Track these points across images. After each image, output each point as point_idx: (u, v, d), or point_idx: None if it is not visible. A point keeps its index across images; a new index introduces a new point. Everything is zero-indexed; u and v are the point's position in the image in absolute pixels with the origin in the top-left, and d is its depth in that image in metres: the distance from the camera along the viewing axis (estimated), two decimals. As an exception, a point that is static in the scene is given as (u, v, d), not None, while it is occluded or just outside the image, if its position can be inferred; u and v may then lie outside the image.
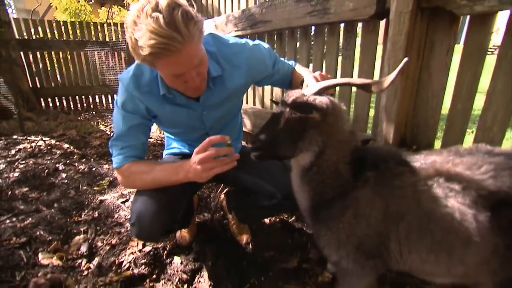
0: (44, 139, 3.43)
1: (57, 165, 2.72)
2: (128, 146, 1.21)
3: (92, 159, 2.96)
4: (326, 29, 1.81)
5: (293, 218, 1.88)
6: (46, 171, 2.59)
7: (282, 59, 1.44)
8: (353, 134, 0.96)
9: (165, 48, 0.87)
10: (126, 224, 1.87)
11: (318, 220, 0.98)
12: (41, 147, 3.19)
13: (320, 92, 0.93)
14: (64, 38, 5.06)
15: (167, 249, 1.62)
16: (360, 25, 1.60)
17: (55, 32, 5.00)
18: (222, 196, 2.00)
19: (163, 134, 3.52)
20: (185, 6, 0.90)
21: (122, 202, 2.11)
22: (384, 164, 0.90)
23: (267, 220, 1.86)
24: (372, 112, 1.63)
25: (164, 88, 1.14)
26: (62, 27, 5.05)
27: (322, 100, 0.89)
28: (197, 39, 0.93)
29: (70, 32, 5.10)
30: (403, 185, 0.86)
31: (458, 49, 1.23)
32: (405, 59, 0.86)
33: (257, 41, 1.33)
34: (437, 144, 1.44)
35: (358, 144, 0.97)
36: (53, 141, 3.39)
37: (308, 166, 0.94)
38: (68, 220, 1.91)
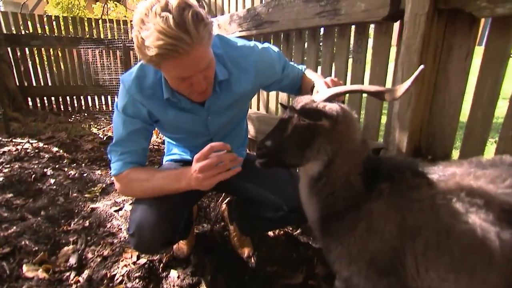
0: (31, 141, 3.44)
1: (45, 170, 2.72)
2: (128, 151, 1.22)
3: (83, 164, 2.97)
4: (336, 31, 1.83)
5: (298, 231, 1.87)
6: (33, 176, 2.58)
7: (292, 63, 1.46)
8: (365, 143, 0.97)
9: (173, 49, 0.88)
10: (119, 234, 1.87)
11: (328, 233, 0.98)
12: (28, 150, 3.20)
13: (330, 99, 0.94)
14: (56, 34, 5.10)
15: (163, 261, 1.61)
16: (372, 26, 1.62)
17: (46, 27, 5.06)
18: (224, 206, 2.00)
19: (161, 139, 3.53)
20: (196, 7, 0.92)
21: (115, 211, 2.11)
22: (399, 175, 0.90)
23: (270, 233, 1.86)
24: (384, 119, 1.64)
25: (168, 92, 1.16)
26: (54, 22, 5.10)
27: (333, 107, 0.90)
28: (206, 42, 0.95)
29: (62, 28, 5.15)
30: (420, 198, 0.86)
31: (479, 51, 1.23)
32: (421, 66, 0.87)
33: (266, 44, 1.35)
34: (455, 154, 1.44)
35: (370, 153, 0.98)
36: (41, 144, 3.40)
37: (317, 176, 0.94)
38: (56, 229, 1.91)
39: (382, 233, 0.88)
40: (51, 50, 5.09)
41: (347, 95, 1.86)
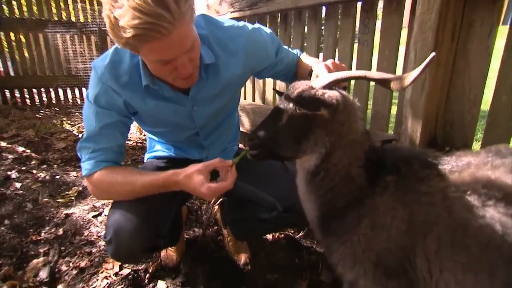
0: (-9, 141, 3.46)
1: (8, 173, 2.75)
2: (101, 148, 1.24)
3: (55, 165, 3.00)
4: (339, 10, 1.87)
5: (301, 234, 1.93)
6: (-5, 180, 2.60)
7: (286, 47, 1.50)
8: (368, 134, 1.01)
9: (152, 29, 0.90)
10: (98, 243, 1.91)
11: (328, 232, 1.03)
12: (-12, 151, 3.21)
13: (331, 85, 0.98)
14: (17, 16, 5.06)
15: (150, 271, 1.66)
16: (380, 4, 1.66)
17: (4, 7, 4.97)
18: (216, 207, 2.05)
19: (145, 135, 3.57)
20: None
21: (93, 216, 2.15)
22: (406, 167, 0.94)
23: (269, 237, 1.91)
24: (394, 109, 1.68)
25: (148, 78, 1.18)
26: (14, 2, 5.06)
27: (332, 95, 0.94)
28: (188, 18, 0.97)
29: (25, 8, 5.10)
30: (430, 190, 0.90)
31: (503, 31, 1.25)
32: (432, 54, 0.89)
33: (257, 25, 1.39)
34: (477, 145, 1.47)
35: (374, 144, 1.02)
36: (3, 143, 3.42)
37: (314, 170, 0.99)
38: (23, 239, 1.94)
39: (389, 230, 0.92)
40: (12, 34, 5.05)
41: (353, 82, 1.90)
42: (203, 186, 1.09)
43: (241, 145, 2.41)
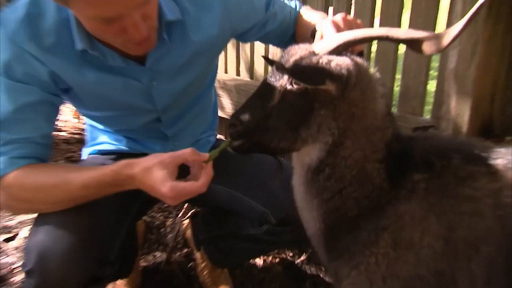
0: None
1: None
2: (18, 139, 1.21)
3: None
4: None
5: (302, 258, 1.95)
6: None
7: None
8: (391, 118, 1.03)
9: None
10: (12, 279, 1.90)
11: (336, 252, 1.05)
12: None
13: (340, 50, 0.99)
14: None
15: (90, 313, 1.66)
16: None
17: None
18: (186, 222, 2.05)
19: (84, 123, 3.55)
20: None
21: (5, 240, 2.13)
22: (443, 162, 0.95)
23: (259, 261, 1.93)
24: (433, 84, 1.69)
25: (84, 40, 1.16)
26: None
27: (342, 63, 0.94)
28: None
29: None
30: (476, 194, 0.92)
31: None
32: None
33: None
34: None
35: (400, 131, 1.03)
36: None
37: (317, 165, 1.00)
38: None
39: (419, 250, 0.94)
40: None
41: (376, 46, 1.91)
42: (165, 184, 1.08)
43: (220, 136, 2.42)
